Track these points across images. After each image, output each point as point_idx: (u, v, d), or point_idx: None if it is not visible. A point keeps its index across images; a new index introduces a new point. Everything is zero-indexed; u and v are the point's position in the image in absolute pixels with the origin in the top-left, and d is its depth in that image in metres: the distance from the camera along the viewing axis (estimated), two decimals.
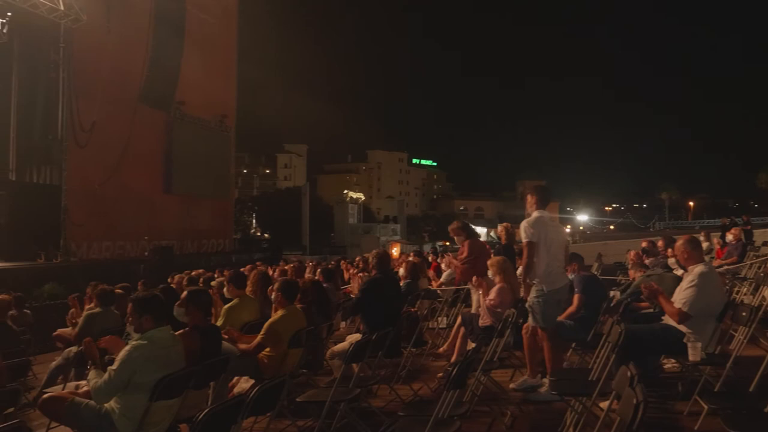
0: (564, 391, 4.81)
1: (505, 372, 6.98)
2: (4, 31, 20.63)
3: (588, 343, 6.46)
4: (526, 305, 6.21)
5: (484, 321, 7.18)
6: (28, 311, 10.86)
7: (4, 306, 7.33)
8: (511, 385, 6.43)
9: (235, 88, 33.68)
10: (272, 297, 6.59)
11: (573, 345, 6.89)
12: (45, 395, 4.57)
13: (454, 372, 4.21)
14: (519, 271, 6.22)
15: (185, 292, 6.04)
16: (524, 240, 5.93)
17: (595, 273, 11.31)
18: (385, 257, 7.74)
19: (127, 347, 4.57)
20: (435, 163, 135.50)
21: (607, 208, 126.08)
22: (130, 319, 4.78)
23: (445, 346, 8.37)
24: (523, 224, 6.05)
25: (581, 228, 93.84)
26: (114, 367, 4.49)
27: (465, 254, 8.49)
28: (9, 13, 20.08)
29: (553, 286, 5.99)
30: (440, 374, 7.10)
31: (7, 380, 5.25)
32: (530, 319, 6.13)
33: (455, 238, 8.82)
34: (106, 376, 4.51)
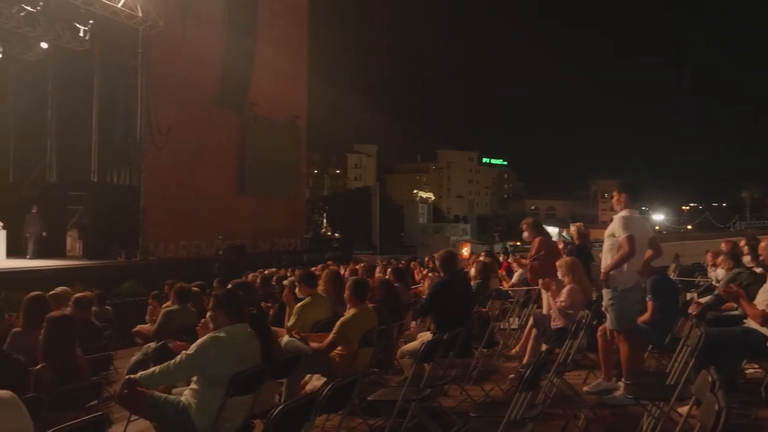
0: (641, 395, 4.70)
1: (578, 374, 6.86)
2: (87, 38, 21.40)
3: (665, 347, 6.29)
4: (603, 308, 6.09)
5: (556, 323, 7.07)
6: (109, 308, 11.23)
7: (86, 303, 7.58)
8: (585, 388, 6.32)
9: (306, 89, 34.12)
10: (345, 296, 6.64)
11: (649, 348, 6.72)
12: (124, 390, 4.72)
13: (527, 373, 4.16)
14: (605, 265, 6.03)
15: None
16: (624, 234, 5.77)
17: (671, 274, 11.01)
18: (450, 258, 7.66)
19: (205, 336, 4.70)
20: (505, 162, 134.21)
21: (684, 208, 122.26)
22: (210, 315, 4.90)
23: (517, 348, 8.28)
24: (618, 220, 5.90)
25: (657, 227, 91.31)
26: (189, 351, 4.61)
27: (535, 251, 8.36)
28: (91, 21, 20.83)
29: (626, 285, 5.86)
30: (512, 375, 7.03)
31: (90, 374, 5.44)
32: (607, 322, 6.01)
33: (525, 233, 8.67)
34: (178, 358, 4.65)
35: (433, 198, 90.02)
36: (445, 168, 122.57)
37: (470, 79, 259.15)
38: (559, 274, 7.34)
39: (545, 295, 7.97)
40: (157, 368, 4.66)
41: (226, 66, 26.53)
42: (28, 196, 24.05)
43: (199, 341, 4.66)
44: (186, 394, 4.64)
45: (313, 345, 6.17)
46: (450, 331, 6.00)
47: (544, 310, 8.02)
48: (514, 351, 8.29)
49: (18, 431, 2.37)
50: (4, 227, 20.45)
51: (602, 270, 6.05)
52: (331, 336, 6.12)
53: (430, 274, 11.60)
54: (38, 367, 4.93)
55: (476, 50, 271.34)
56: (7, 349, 5.35)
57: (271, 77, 29.06)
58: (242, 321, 4.84)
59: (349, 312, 6.33)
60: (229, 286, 7.72)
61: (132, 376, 4.80)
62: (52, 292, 7.96)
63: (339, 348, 6.22)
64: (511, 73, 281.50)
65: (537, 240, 8.41)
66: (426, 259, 16.61)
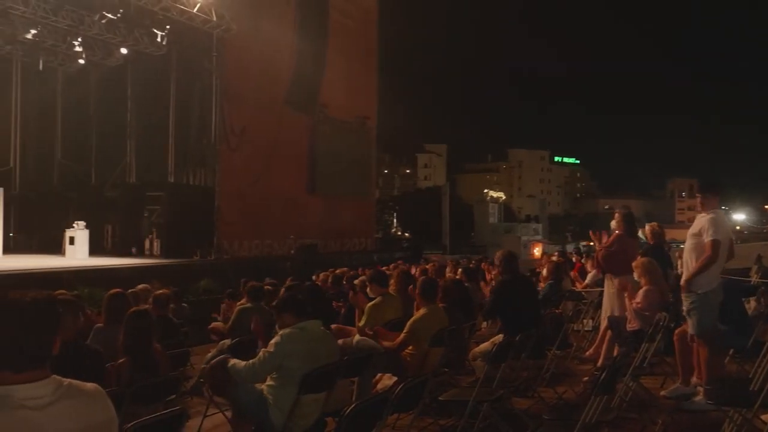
0: (722, 401, 4.54)
1: (655, 378, 6.68)
2: (164, 43, 22.07)
3: (747, 351, 6.07)
4: (684, 312, 5.91)
5: (632, 325, 6.90)
6: (186, 305, 11.52)
7: (164, 300, 7.79)
8: (663, 393, 6.15)
9: (376, 89, 34.23)
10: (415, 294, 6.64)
11: (731, 352, 6.50)
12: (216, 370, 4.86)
13: (602, 376, 4.08)
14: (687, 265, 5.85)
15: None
16: (711, 237, 5.61)
17: (753, 276, 10.60)
18: (511, 258, 7.54)
19: (279, 334, 4.79)
20: (578, 161, 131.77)
21: (766, 207, 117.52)
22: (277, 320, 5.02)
23: (591, 350, 8.12)
24: (708, 221, 5.72)
25: (738, 228, 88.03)
26: (269, 349, 4.71)
27: (608, 243, 8.13)
28: (168, 26, 21.45)
29: (708, 288, 5.67)
30: (586, 378, 6.90)
31: (169, 369, 5.59)
32: (689, 327, 5.83)
33: (613, 222, 8.39)
34: (260, 356, 4.75)
35: (503, 197, 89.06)
36: (516, 167, 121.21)
37: (542, 78, 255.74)
38: (636, 276, 7.15)
39: (608, 291, 7.81)
40: (243, 365, 4.78)
41: (297, 67, 26.86)
42: (109, 196, 24.97)
43: (274, 339, 4.76)
44: (264, 388, 4.75)
45: (385, 343, 6.20)
46: (518, 332, 5.93)
47: (604, 306, 7.86)
48: (588, 353, 8.13)
49: (104, 422, 2.45)
50: (86, 227, 21.26)
51: (683, 274, 5.88)
52: (402, 335, 6.13)
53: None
54: (119, 361, 5.09)
55: (550, 48, 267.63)
56: (90, 344, 5.56)
57: (342, 78, 29.28)
58: (310, 319, 4.93)
59: (420, 311, 6.33)
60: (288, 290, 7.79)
61: (226, 357, 4.95)
62: (132, 290, 8.23)
63: (410, 347, 6.23)
64: (585, 70, 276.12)
65: (615, 234, 8.15)
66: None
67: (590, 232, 8.27)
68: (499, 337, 6.88)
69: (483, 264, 14.95)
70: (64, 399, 2.28)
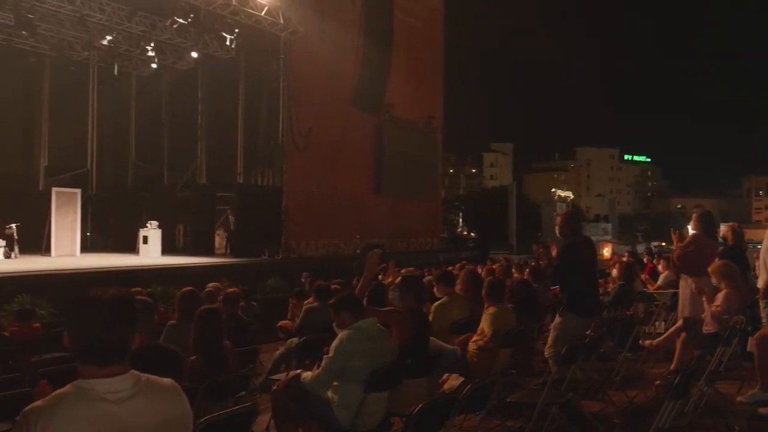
0: None
1: (731, 383, 6.47)
2: (233, 46, 22.48)
3: None
4: (763, 318, 5.71)
5: (708, 327, 6.69)
6: (255, 303, 11.72)
7: (234, 298, 7.94)
8: (739, 398, 5.94)
9: (441, 89, 34.11)
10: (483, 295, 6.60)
11: None
12: (275, 388, 4.94)
13: (676, 380, 3.98)
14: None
15: (400, 278, 6.25)
16: None
17: None
18: (574, 217, 7.32)
19: (338, 337, 4.84)
20: (649, 159, 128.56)
21: None
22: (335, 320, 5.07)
23: (657, 341, 7.84)
24: None
25: None
26: (329, 355, 4.76)
27: (685, 244, 7.89)
28: (236, 30, 21.84)
29: None
30: (658, 382, 6.73)
31: (238, 366, 5.69)
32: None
33: (690, 223, 8.13)
34: (323, 364, 4.81)
35: (571, 197, 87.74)
36: (585, 166, 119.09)
37: (610, 74, 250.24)
38: (714, 281, 6.92)
39: (683, 293, 7.59)
40: (311, 377, 4.87)
41: (362, 68, 26.97)
42: (180, 197, 25.59)
43: (334, 343, 4.81)
44: (330, 392, 4.80)
45: (479, 344, 6.16)
46: (580, 306, 5.79)
47: (680, 308, 7.64)
48: (649, 342, 7.87)
49: (180, 416, 2.52)
50: (159, 226, 21.85)
51: (760, 276, 5.67)
52: (489, 332, 6.07)
53: None
54: (191, 358, 5.21)
55: (617, 43, 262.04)
56: (163, 341, 5.70)
57: (407, 78, 29.26)
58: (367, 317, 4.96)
59: (488, 311, 6.29)
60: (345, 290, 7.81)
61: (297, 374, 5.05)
62: (206, 290, 8.42)
63: (476, 348, 6.19)
64: (653, 65, 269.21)
65: (693, 234, 7.89)
66: None
67: (671, 230, 8.04)
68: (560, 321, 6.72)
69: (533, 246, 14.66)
70: (143, 393, 2.36)
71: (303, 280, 15.18)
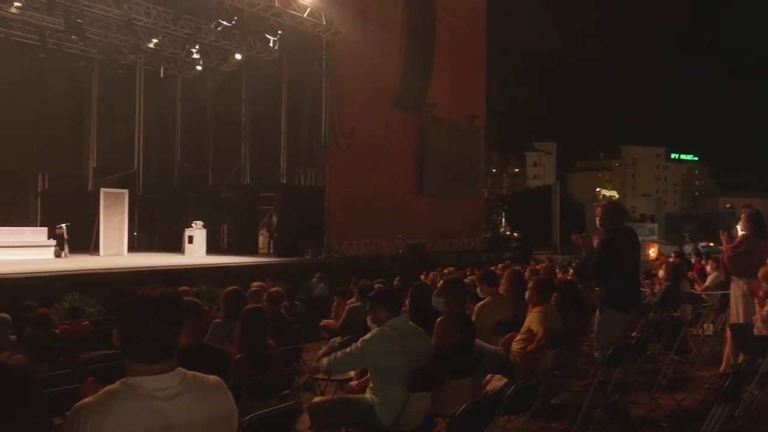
0: None
1: None
2: (276, 48, 22.68)
3: None
4: None
5: (759, 330, 6.52)
6: (298, 303, 11.79)
7: (278, 297, 8.00)
8: None
9: (484, 88, 33.89)
10: (527, 296, 6.53)
11: None
12: (313, 402, 4.97)
13: (726, 384, 3.89)
14: None
15: (441, 282, 6.24)
16: None
17: None
18: (619, 210, 7.14)
19: (371, 332, 4.86)
20: (696, 158, 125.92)
21: None
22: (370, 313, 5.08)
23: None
24: None
25: None
26: (357, 345, 4.79)
27: (735, 245, 7.69)
28: (279, 32, 22.03)
29: None
30: (707, 385, 6.59)
31: (282, 365, 5.72)
32: None
33: (739, 223, 7.94)
34: (349, 349, 4.84)
35: (616, 196, 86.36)
36: (630, 165, 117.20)
37: (657, 72, 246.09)
38: (765, 285, 6.73)
39: (734, 294, 7.40)
40: (333, 357, 4.93)
41: (405, 68, 26.93)
42: (225, 197, 25.91)
43: (367, 336, 4.83)
44: (368, 391, 4.80)
45: (529, 347, 6.10)
46: (621, 300, 5.66)
47: (732, 310, 7.46)
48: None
49: (226, 414, 2.55)
50: (204, 226, 22.15)
51: None
52: (539, 331, 6.01)
53: None
54: (236, 356, 5.27)
55: (664, 41, 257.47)
56: (208, 340, 5.77)
57: (450, 78, 29.15)
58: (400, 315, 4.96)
59: (535, 310, 6.22)
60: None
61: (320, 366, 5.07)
62: (251, 289, 8.49)
63: (520, 348, 6.14)
64: (700, 63, 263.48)
65: (743, 235, 7.68)
66: None
67: (720, 231, 7.87)
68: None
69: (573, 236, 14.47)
70: (189, 391, 2.40)
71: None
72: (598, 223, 6.76)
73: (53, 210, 23.01)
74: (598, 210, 6.94)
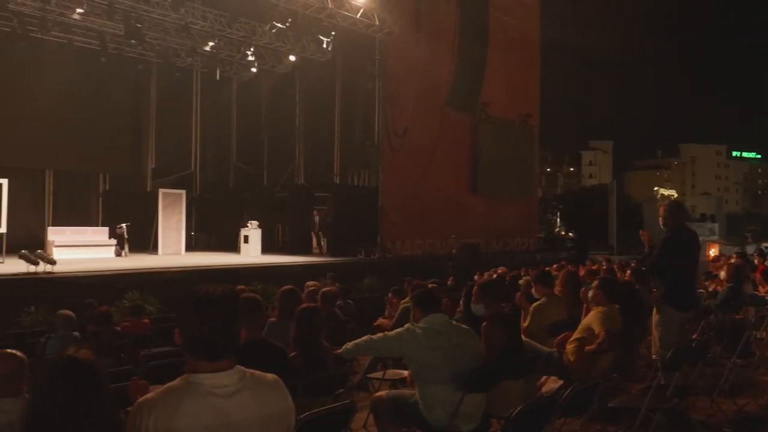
0: None
1: None
2: (329, 49, 22.83)
3: None
4: None
5: None
6: (351, 302, 11.83)
7: (331, 297, 8.05)
8: None
9: (538, 86, 33.48)
10: (589, 295, 6.41)
11: None
12: (374, 396, 5.01)
13: None
14: None
15: (476, 287, 6.20)
16: None
17: None
18: (681, 210, 7.03)
19: (405, 326, 4.93)
20: (759, 155, 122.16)
21: None
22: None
23: None
24: None
25: None
26: (388, 334, 4.85)
27: None
28: (333, 33, 22.18)
29: None
30: None
31: (336, 364, 5.76)
32: None
33: None
34: (374, 336, 4.90)
35: (675, 195, 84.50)
36: (689, 163, 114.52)
37: (716, 68, 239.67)
38: None
39: None
40: (359, 341, 5.04)
41: (457, 68, 26.79)
42: (279, 197, 26.19)
43: (401, 329, 4.90)
44: (417, 391, 4.82)
45: (587, 348, 6.02)
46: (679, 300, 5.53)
47: None
48: None
49: (283, 412, 2.59)
50: (259, 226, 22.44)
51: None
52: (601, 332, 5.91)
53: None
54: (291, 355, 5.33)
55: (724, 37, 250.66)
56: (276, 342, 5.84)
57: (503, 77, 28.88)
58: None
59: (598, 309, 6.11)
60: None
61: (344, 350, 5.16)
62: (308, 289, 8.57)
63: (575, 349, 6.05)
64: (761, 58, 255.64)
65: None
66: None
67: None
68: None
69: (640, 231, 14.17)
70: (248, 388, 2.45)
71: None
72: (661, 222, 6.72)
73: (114, 210, 23.66)
74: (661, 210, 6.93)
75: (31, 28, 19.64)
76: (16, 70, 20.78)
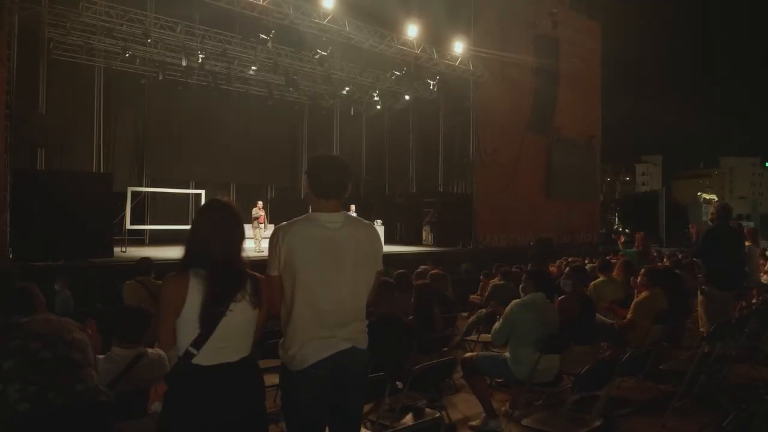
0: None
1: None
2: (434, 90, 22.84)
3: None
4: None
5: None
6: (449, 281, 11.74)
7: (441, 277, 8.07)
8: None
9: (600, 113, 32.18)
10: (638, 281, 6.15)
11: None
12: (463, 357, 4.99)
13: None
14: None
15: (568, 269, 6.05)
16: None
17: None
18: (726, 210, 6.59)
19: (510, 304, 4.83)
20: None
21: None
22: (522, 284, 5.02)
23: None
24: None
25: None
26: (502, 317, 4.77)
27: None
28: (437, 77, 22.20)
29: None
30: None
31: (442, 328, 5.80)
32: None
33: None
34: (496, 326, 4.84)
35: (716, 199, 78.58)
36: (727, 173, 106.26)
37: (751, 85, 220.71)
38: None
39: None
40: (494, 330, 4.93)
41: (535, 100, 26.13)
42: (398, 202, 26.45)
43: (507, 309, 4.80)
44: (508, 351, 4.77)
45: (618, 322, 5.83)
46: (723, 273, 5.19)
47: None
48: None
49: (374, 244, 2.97)
50: (383, 224, 22.74)
51: None
52: (629, 315, 5.73)
53: None
54: (408, 318, 5.41)
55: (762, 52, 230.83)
56: (406, 320, 5.92)
57: (571, 105, 27.94)
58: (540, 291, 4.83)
59: (642, 294, 5.87)
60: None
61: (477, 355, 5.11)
62: (418, 270, 8.63)
63: (632, 322, 5.80)
64: None
65: None
66: None
67: None
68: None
69: (690, 225, 13.29)
70: (350, 225, 2.79)
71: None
72: (710, 218, 6.56)
73: (279, 213, 24.51)
74: (711, 208, 6.80)
75: (220, 81, 20.77)
76: (211, 112, 21.99)
